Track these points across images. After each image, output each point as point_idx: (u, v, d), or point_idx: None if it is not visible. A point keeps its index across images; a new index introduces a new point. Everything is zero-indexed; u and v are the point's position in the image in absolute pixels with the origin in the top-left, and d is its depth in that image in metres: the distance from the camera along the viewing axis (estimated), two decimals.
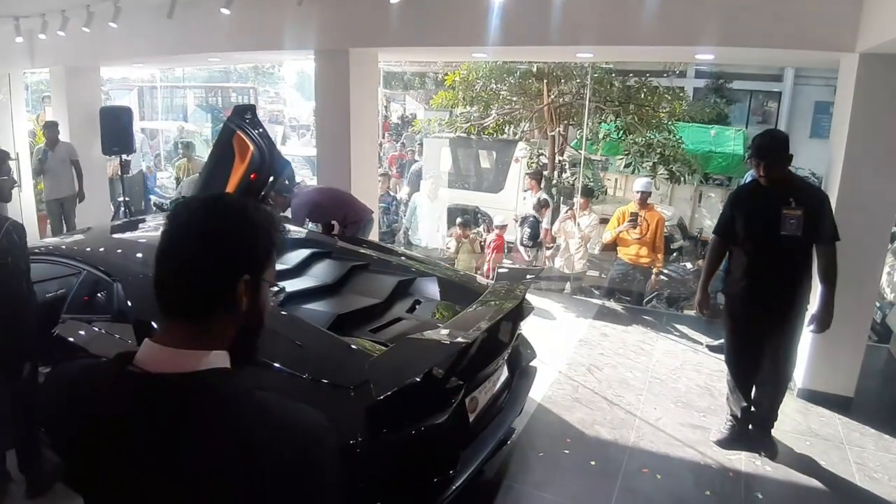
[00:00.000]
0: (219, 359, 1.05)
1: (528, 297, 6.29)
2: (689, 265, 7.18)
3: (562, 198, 8.91)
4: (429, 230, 8.22)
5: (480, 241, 8.51)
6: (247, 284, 1.06)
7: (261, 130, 4.97)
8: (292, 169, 6.11)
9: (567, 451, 3.72)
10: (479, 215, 9.14)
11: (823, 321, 3.50)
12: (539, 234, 7.41)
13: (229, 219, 1.08)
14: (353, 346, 2.62)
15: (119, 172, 8.08)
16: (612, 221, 6.70)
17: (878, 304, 6.36)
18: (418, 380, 2.35)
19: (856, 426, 4.12)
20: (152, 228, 3.97)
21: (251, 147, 4.81)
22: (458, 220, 6.91)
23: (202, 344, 1.04)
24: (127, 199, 7.90)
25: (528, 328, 4.68)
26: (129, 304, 2.91)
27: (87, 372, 1.13)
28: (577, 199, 7.37)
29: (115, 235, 3.79)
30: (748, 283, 3.55)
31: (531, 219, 7.36)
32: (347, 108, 5.51)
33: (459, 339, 2.50)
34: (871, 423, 4.12)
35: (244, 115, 5.01)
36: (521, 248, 7.34)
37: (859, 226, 4.00)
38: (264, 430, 0.98)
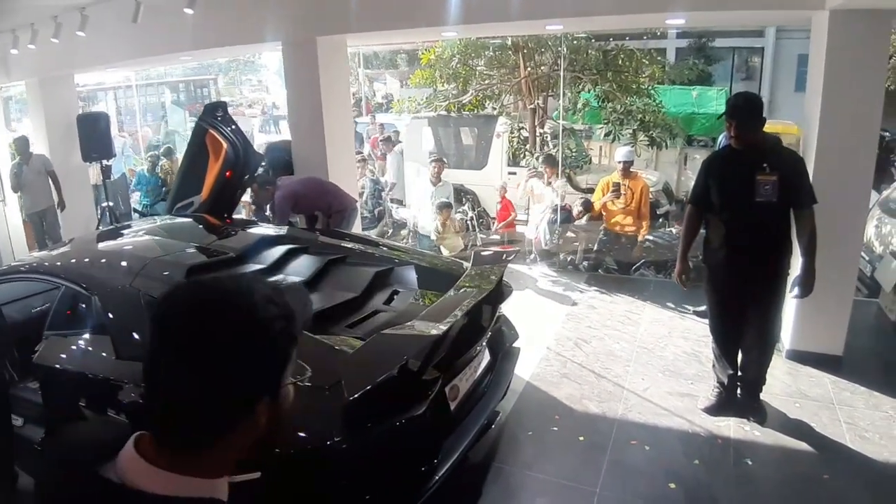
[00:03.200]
0: (214, 488, 0.88)
1: (518, 272, 6.39)
2: (674, 230, 7.17)
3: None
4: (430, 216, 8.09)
5: (467, 220, 8.49)
6: (267, 405, 0.88)
7: (233, 127, 4.96)
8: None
9: (556, 429, 3.75)
10: (463, 193, 9.09)
11: (806, 286, 3.47)
12: (569, 223, 7.33)
13: (238, 334, 0.84)
14: (329, 344, 2.62)
15: (101, 178, 8.02)
16: (597, 192, 6.70)
17: (867, 259, 6.36)
18: (392, 375, 2.35)
19: (846, 385, 4.12)
20: (132, 235, 3.94)
21: (224, 144, 4.80)
22: (438, 202, 6.85)
23: (199, 470, 0.87)
24: (111, 204, 7.86)
25: (516, 306, 4.69)
26: (110, 316, 2.90)
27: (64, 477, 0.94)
28: (540, 166, 7.31)
29: (91, 247, 3.76)
30: (726, 252, 3.53)
31: (564, 213, 7.29)
32: (319, 97, 5.46)
33: (433, 332, 2.50)
34: (861, 381, 4.13)
35: (215, 113, 4.98)
36: (540, 236, 7.21)
37: (840, 180, 3.99)
38: None
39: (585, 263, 6.86)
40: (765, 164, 3.36)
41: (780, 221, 3.45)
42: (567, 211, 7.39)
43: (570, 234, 7.33)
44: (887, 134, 14.58)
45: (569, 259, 6.99)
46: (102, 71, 11.39)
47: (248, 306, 0.86)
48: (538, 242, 7.14)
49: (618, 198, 6.38)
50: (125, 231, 4.06)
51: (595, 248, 6.78)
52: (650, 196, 6.93)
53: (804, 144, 4.52)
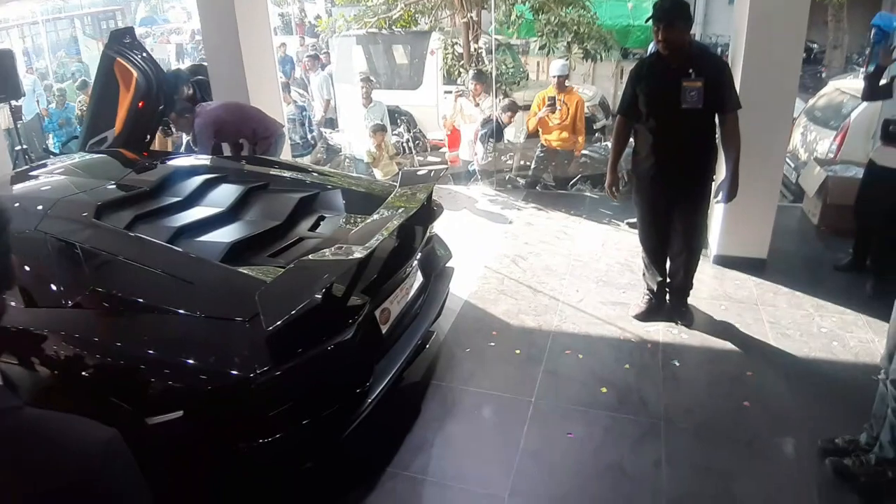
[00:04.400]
0: None
1: (455, 193, 6.33)
2: (611, 144, 7.16)
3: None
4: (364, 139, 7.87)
5: (403, 143, 8.31)
6: None
7: (144, 54, 4.64)
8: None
9: (493, 344, 3.80)
10: (398, 115, 8.85)
11: (730, 192, 3.53)
12: (501, 139, 7.15)
13: None
14: (248, 275, 2.53)
15: (12, 121, 7.44)
16: (533, 107, 6.60)
17: (793, 165, 6.55)
18: (316, 301, 2.30)
19: (769, 286, 4.30)
20: (45, 175, 3.67)
21: (134, 73, 4.51)
22: (372, 125, 6.63)
23: None
24: (25, 146, 7.33)
25: (453, 226, 4.66)
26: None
27: None
28: (469, 85, 7.11)
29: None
30: (653, 161, 3.55)
31: (494, 124, 7.11)
32: (234, 17, 5.10)
33: (355, 255, 2.44)
34: (784, 283, 4.32)
35: (122, 40, 4.64)
36: (477, 152, 7.07)
37: (766, 88, 4.05)
38: (39, 451, 0.82)
39: (522, 181, 6.83)
40: (690, 70, 3.35)
41: (705, 128, 3.48)
42: (498, 125, 7.25)
43: (503, 146, 7.23)
44: (815, 45, 14.87)
45: (507, 177, 6.95)
46: (4, 5, 10.48)
47: None
48: (478, 160, 7.04)
49: (553, 112, 6.30)
50: (38, 172, 3.78)
51: (532, 165, 6.74)
52: (586, 111, 6.88)
53: (732, 52, 4.51)
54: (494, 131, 6.92)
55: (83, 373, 2.38)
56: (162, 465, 2.38)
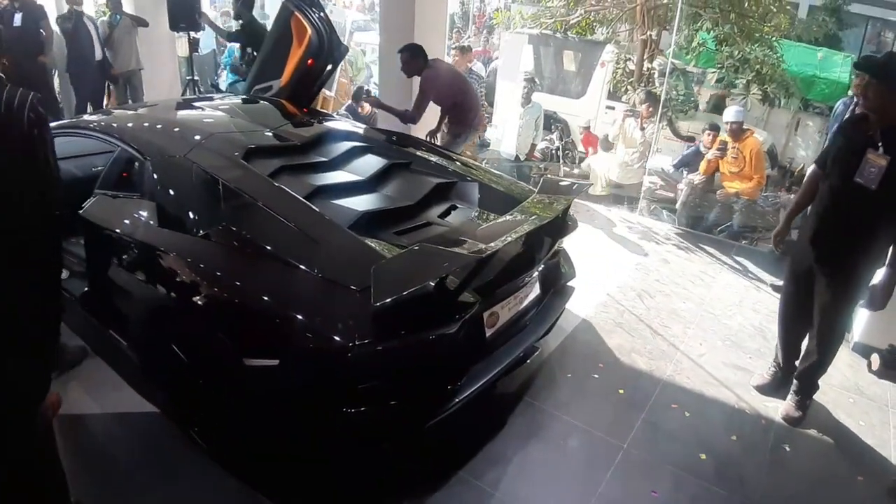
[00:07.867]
0: None
1: (595, 212, 6.11)
2: (771, 197, 6.57)
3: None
4: (519, 139, 7.78)
5: (553, 150, 8.15)
6: None
7: (321, 14, 4.75)
8: None
9: (597, 376, 3.61)
10: (553, 121, 8.67)
11: (878, 300, 3.07)
12: (695, 168, 6.60)
13: None
14: (371, 247, 2.53)
15: (188, 51, 7.99)
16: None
17: None
18: (428, 288, 2.26)
19: None
20: (209, 108, 3.89)
21: (309, 30, 4.62)
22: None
23: None
24: (196, 78, 7.85)
25: (584, 245, 4.45)
26: (159, 183, 2.88)
27: None
28: (640, 106, 6.74)
29: (162, 114, 3.75)
30: (815, 225, 3.17)
31: (694, 148, 6.79)
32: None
33: (475, 252, 2.36)
34: None
35: None
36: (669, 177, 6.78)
37: None
38: None
39: (683, 219, 6.36)
40: (880, 143, 2.84)
41: (877, 213, 2.92)
42: (696, 150, 6.75)
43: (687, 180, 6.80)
44: None
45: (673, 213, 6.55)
46: None
47: None
48: (678, 191, 6.57)
49: (722, 157, 5.93)
50: (202, 104, 4.01)
51: (716, 209, 6.25)
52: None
53: None
54: (688, 158, 6.61)
55: (196, 299, 2.49)
56: (251, 407, 2.46)
